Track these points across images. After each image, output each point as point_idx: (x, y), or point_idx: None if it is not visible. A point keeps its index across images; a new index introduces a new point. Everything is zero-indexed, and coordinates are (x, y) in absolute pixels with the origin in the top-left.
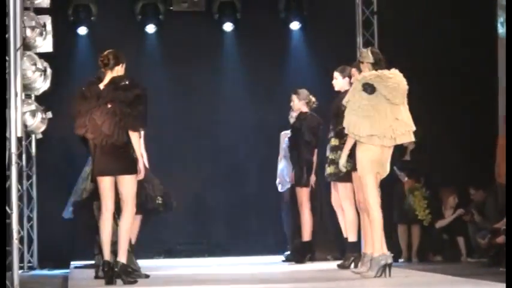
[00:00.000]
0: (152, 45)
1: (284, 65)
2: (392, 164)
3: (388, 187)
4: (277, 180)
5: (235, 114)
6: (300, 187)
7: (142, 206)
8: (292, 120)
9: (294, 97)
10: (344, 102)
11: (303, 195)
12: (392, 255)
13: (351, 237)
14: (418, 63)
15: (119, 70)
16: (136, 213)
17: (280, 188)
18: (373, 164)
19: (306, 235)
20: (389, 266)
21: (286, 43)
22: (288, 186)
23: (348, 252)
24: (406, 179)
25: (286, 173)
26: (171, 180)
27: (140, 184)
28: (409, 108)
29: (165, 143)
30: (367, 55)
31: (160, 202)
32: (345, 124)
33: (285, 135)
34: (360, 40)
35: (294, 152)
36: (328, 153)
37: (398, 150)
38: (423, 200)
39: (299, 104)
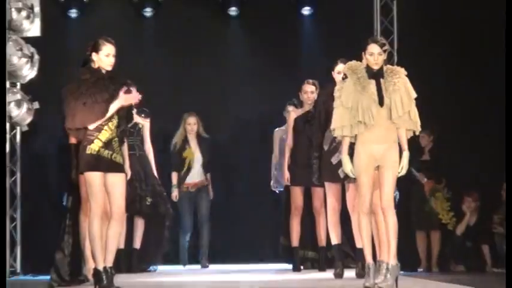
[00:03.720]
0: (150, 30)
1: (293, 54)
2: (409, 164)
3: (406, 190)
4: (272, 182)
5: (240, 106)
6: (319, 187)
7: (127, 206)
8: (292, 114)
9: (314, 88)
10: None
11: (321, 196)
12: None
13: (359, 244)
14: (440, 53)
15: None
16: (135, 216)
17: (276, 189)
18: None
19: (323, 240)
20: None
21: (296, 30)
22: (282, 188)
23: (357, 259)
24: (425, 180)
25: (280, 173)
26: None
27: (130, 183)
28: (427, 102)
29: (160, 137)
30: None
31: (148, 204)
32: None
33: (281, 133)
34: (377, 27)
35: (306, 145)
36: None
37: (416, 150)
38: (446, 202)
39: (316, 95)
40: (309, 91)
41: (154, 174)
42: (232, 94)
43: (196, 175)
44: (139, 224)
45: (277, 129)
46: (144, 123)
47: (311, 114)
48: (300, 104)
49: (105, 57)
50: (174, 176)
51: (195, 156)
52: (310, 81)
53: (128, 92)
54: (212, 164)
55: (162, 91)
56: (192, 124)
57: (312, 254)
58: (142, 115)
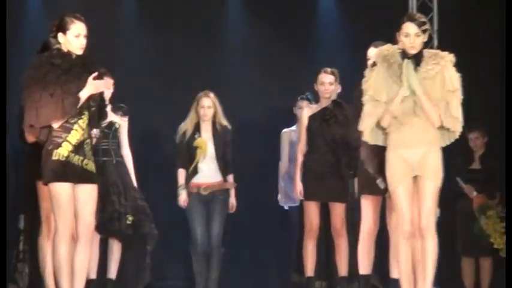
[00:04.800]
0: (132, 8)
1: (308, 36)
2: (455, 173)
3: (450, 205)
4: (279, 196)
5: (238, 101)
6: (340, 202)
7: (102, 226)
8: (306, 112)
9: (332, 78)
10: None
11: (342, 212)
12: None
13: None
14: (494, 37)
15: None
16: (110, 239)
17: (285, 205)
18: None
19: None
20: None
21: (311, 5)
22: (295, 203)
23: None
24: (474, 193)
25: (290, 185)
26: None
27: (106, 196)
28: (475, 99)
29: (144, 137)
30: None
31: (129, 223)
32: None
33: (291, 135)
34: (413, 2)
35: (327, 150)
36: None
37: (464, 155)
38: (499, 223)
39: (336, 87)
40: (327, 82)
41: (134, 186)
42: (229, 86)
43: (209, 174)
44: (116, 248)
45: (285, 130)
46: (121, 122)
47: (329, 111)
48: (315, 99)
49: (74, 39)
50: (181, 174)
51: (209, 148)
52: (328, 69)
53: (98, 78)
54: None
55: (146, 83)
56: (206, 108)
57: (328, 285)
58: (120, 112)
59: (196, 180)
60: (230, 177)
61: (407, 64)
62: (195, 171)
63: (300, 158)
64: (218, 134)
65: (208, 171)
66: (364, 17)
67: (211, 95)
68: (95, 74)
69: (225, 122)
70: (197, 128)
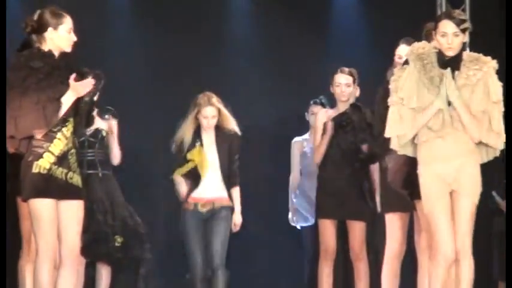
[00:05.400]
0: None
1: (321, 32)
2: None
3: (485, 224)
4: (290, 214)
5: (243, 106)
6: (359, 220)
7: (87, 248)
8: (321, 117)
9: (350, 79)
10: None
11: (362, 233)
12: None
13: None
14: None
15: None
16: (98, 262)
17: (297, 225)
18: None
19: None
20: None
21: (325, 2)
22: (309, 222)
23: None
24: None
25: (306, 203)
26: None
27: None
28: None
29: (138, 145)
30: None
31: (118, 245)
32: None
33: (300, 145)
34: None
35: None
36: None
37: (500, 166)
38: None
39: (355, 90)
40: (343, 83)
41: (124, 202)
42: (232, 89)
43: (211, 187)
44: (104, 273)
45: (296, 139)
46: (112, 125)
47: (346, 116)
48: (330, 103)
49: (66, 34)
50: (182, 183)
51: (209, 158)
52: (346, 69)
53: (81, 78)
54: None
55: (137, 85)
56: (209, 118)
57: None
58: (106, 116)
59: (195, 194)
60: (235, 191)
61: (447, 73)
62: (194, 186)
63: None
64: (223, 139)
65: (210, 184)
66: (387, 9)
67: (214, 100)
68: (74, 75)
69: (233, 127)
70: (197, 135)
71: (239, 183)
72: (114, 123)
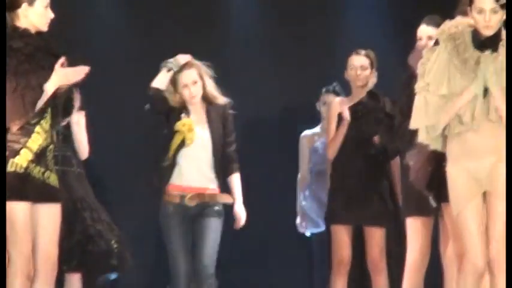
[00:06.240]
0: None
1: (335, 13)
2: None
3: None
4: (298, 219)
5: (246, 97)
6: (378, 226)
7: (72, 254)
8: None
9: (367, 62)
10: None
11: (381, 241)
12: None
13: None
14: None
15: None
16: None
17: (307, 231)
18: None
19: None
20: None
21: None
22: (319, 227)
23: None
24: None
25: (317, 206)
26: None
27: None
28: None
29: (127, 147)
30: None
31: (116, 250)
32: None
33: (311, 139)
34: None
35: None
36: None
37: None
38: None
39: (372, 74)
40: (359, 65)
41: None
42: (234, 78)
43: (199, 175)
44: (74, 282)
45: (306, 132)
46: (79, 118)
47: (362, 105)
48: (344, 92)
49: (43, 10)
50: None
51: (199, 134)
52: (362, 51)
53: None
54: None
55: (125, 73)
56: (190, 84)
57: None
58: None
59: (179, 182)
60: (235, 178)
61: (485, 55)
62: (170, 170)
63: (328, 168)
64: (213, 118)
65: (198, 171)
66: None
67: (193, 63)
68: (62, 59)
69: (221, 99)
70: (184, 108)
71: (239, 171)
72: (80, 115)
